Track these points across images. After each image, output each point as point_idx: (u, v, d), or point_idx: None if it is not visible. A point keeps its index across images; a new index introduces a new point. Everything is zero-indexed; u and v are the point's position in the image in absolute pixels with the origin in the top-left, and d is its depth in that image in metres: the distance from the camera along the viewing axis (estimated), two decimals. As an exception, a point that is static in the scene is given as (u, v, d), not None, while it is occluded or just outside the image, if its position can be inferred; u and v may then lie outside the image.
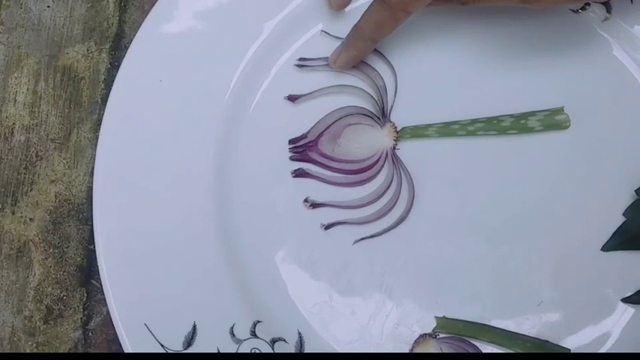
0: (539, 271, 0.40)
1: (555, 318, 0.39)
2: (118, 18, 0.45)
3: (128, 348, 0.38)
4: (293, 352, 0.39)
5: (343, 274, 0.40)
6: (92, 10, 0.45)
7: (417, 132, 0.42)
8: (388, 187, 0.41)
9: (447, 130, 0.42)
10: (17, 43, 0.45)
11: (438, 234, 0.41)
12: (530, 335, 0.39)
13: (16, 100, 0.44)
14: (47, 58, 0.44)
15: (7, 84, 0.44)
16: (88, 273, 0.42)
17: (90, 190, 0.41)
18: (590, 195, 0.41)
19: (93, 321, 0.41)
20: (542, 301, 0.40)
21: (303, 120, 0.42)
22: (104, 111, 0.41)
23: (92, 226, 0.39)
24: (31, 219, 0.42)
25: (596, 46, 0.43)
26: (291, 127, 0.42)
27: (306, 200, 0.41)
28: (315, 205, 0.41)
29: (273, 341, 0.39)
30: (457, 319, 0.39)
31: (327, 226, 0.41)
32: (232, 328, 0.39)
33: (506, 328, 0.39)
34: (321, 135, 0.42)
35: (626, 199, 0.41)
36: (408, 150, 0.42)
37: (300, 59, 0.42)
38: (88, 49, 0.45)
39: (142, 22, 0.42)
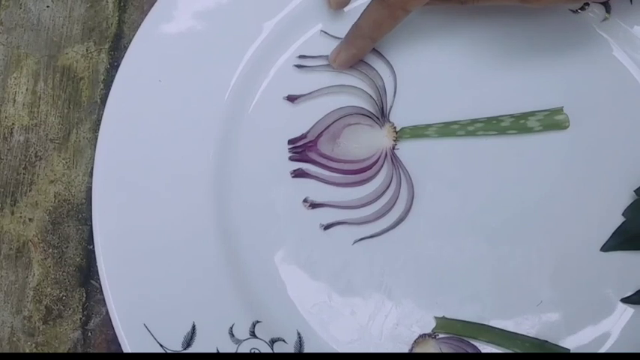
0: (539, 271, 0.40)
1: (555, 318, 0.39)
2: (117, 18, 0.45)
3: (127, 348, 0.38)
4: (292, 352, 0.39)
5: (342, 274, 0.40)
6: (91, 11, 0.45)
7: (417, 132, 0.42)
8: (387, 187, 0.41)
9: (447, 130, 0.42)
10: (16, 43, 0.45)
11: (437, 234, 0.41)
12: (529, 335, 0.39)
13: (15, 101, 0.44)
14: (46, 58, 0.44)
15: (7, 84, 0.44)
16: (88, 273, 0.42)
17: (89, 190, 0.41)
18: (590, 195, 0.41)
19: (92, 321, 0.41)
20: (542, 301, 0.40)
21: (302, 120, 0.42)
22: (103, 111, 0.41)
23: (91, 226, 0.39)
24: (30, 219, 0.42)
25: (596, 46, 0.43)
26: (291, 127, 0.42)
27: (305, 200, 0.41)
28: (314, 205, 0.41)
29: (273, 341, 0.39)
30: (456, 320, 0.39)
31: (327, 226, 0.41)
32: (232, 328, 0.39)
33: (505, 328, 0.39)
34: (320, 135, 0.42)
35: (626, 199, 0.41)
36: (407, 150, 0.42)
37: (301, 57, 0.42)
38: (87, 50, 0.45)
39: (141, 22, 0.42)
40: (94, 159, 0.40)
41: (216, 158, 0.41)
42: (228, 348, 0.38)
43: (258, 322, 0.39)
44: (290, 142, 0.42)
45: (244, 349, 0.38)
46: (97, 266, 0.39)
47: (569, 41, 0.43)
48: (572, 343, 0.39)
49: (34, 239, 0.42)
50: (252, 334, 0.39)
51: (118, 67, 0.41)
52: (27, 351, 0.41)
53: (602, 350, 0.39)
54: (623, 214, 0.40)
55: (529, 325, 0.39)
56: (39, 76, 0.44)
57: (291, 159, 0.42)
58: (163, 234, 0.39)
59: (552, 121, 0.41)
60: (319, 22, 0.43)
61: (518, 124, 0.42)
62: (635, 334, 0.39)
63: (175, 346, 0.38)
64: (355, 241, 0.41)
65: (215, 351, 0.38)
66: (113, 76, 0.41)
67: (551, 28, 0.43)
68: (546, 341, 0.39)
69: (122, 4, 0.45)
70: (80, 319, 0.41)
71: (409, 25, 0.42)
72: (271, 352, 0.39)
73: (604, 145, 0.42)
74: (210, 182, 0.41)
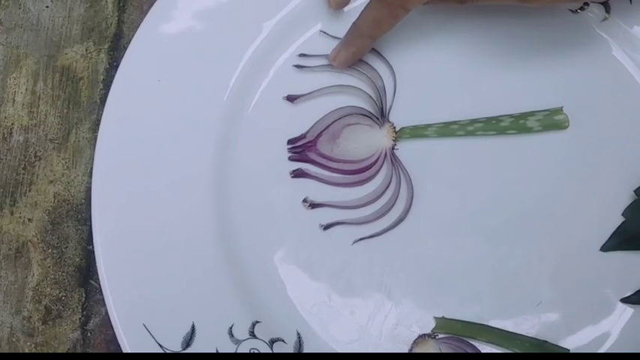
0: (539, 271, 0.40)
1: (554, 318, 0.39)
2: (116, 18, 0.45)
3: (127, 348, 0.38)
4: (292, 352, 0.39)
5: (342, 275, 0.40)
6: (91, 11, 0.45)
7: (416, 132, 0.42)
8: (387, 188, 0.41)
9: (446, 130, 0.42)
10: (16, 43, 0.45)
11: (437, 234, 0.41)
12: (529, 335, 0.39)
13: (14, 101, 0.44)
14: (46, 58, 0.44)
15: (6, 84, 0.44)
16: (87, 273, 0.42)
17: (89, 190, 0.41)
18: (590, 195, 0.41)
19: (92, 321, 0.41)
20: (542, 301, 0.40)
21: (302, 120, 0.42)
22: (103, 111, 0.41)
23: (91, 226, 0.39)
24: (29, 219, 0.42)
25: (595, 46, 0.43)
26: (290, 127, 0.42)
27: (305, 200, 0.41)
28: (314, 206, 0.41)
29: (272, 341, 0.39)
30: (456, 320, 0.39)
31: (326, 227, 0.41)
32: (231, 328, 0.39)
33: (505, 329, 0.39)
34: (320, 135, 0.42)
35: (626, 199, 0.41)
36: (407, 150, 0.42)
37: (301, 55, 0.42)
38: (86, 50, 0.45)
39: (140, 22, 0.42)
40: (93, 159, 0.40)
41: (215, 158, 0.41)
42: (228, 348, 0.38)
43: (257, 322, 0.39)
44: (289, 142, 0.42)
45: (244, 349, 0.38)
46: (96, 266, 0.39)
47: (569, 41, 0.43)
48: (571, 343, 0.39)
49: (33, 239, 0.42)
50: (252, 335, 0.39)
51: (117, 67, 0.41)
52: (26, 351, 0.41)
53: (602, 350, 0.39)
54: (622, 214, 0.40)
55: (529, 325, 0.39)
56: (38, 76, 0.44)
57: (291, 159, 0.42)
58: (163, 234, 0.39)
59: (552, 121, 0.41)
60: (319, 21, 0.43)
61: (517, 124, 0.42)
62: (634, 334, 0.39)
63: (175, 347, 0.38)
64: (355, 241, 0.41)
65: (214, 351, 0.38)
66: (112, 76, 0.41)
67: (550, 28, 0.43)
68: (546, 341, 0.39)
69: (121, 4, 0.45)
70: (79, 319, 0.41)
71: (409, 25, 0.42)
72: (271, 352, 0.39)
73: (604, 145, 0.42)
74: (210, 182, 0.41)
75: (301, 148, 0.42)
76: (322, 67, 0.42)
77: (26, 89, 0.44)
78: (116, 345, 0.38)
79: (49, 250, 0.42)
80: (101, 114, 0.41)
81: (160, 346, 0.38)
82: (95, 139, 0.41)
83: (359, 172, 0.41)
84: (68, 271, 0.42)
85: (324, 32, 0.43)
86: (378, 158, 0.42)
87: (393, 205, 0.41)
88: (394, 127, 0.42)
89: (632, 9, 0.42)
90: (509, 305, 0.40)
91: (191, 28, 0.42)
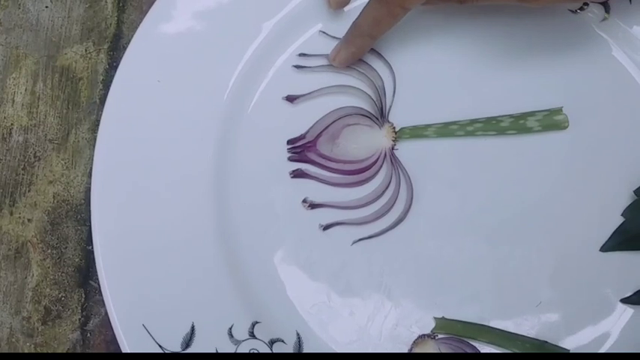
0: (539, 272, 0.40)
1: (554, 318, 0.39)
2: (116, 18, 0.45)
3: (126, 349, 0.38)
4: (291, 352, 0.39)
5: (342, 275, 0.40)
6: (90, 11, 0.45)
7: (416, 132, 0.42)
8: (387, 188, 0.41)
9: (446, 130, 0.42)
10: (15, 43, 0.45)
11: (436, 234, 0.41)
12: (529, 336, 0.39)
13: (14, 101, 0.44)
14: (45, 58, 0.44)
15: (5, 84, 0.44)
16: (87, 274, 0.42)
17: (88, 190, 0.41)
18: (589, 195, 0.41)
19: (91, 322, 0.41)
20: (542, 301, 0.40)
21: (301, 120, 0.42)
22: (102, 111, 0.41)
23: (90, 226, 0.39)
24: (29, 220, 0.42)
25: (595, 46, 0.43)
26: (290, 127, 0.42)
27: (304, 201, 0.41)
28: (313, 206, 0.41)
29: (272, 342, 0.39)
30: (456, 320, 0.39)
31: (326, 227, 0.41)
32: (231, 328, 0.39)
33: (505, 329, 0.39)
34: (319, 135, 0.42)
35: (625, 200, 0.41)
36: (406, 150, 0.42)
37: (301, 55, 0.42)
38: (86, 50, 0.45)
39: (140, 22, 0.42)
40: (92, 159, 0.40)
41: (215, 158, 0.41)
42: (228, 348, 0.38)
43: (257, 322, 0.39)
44: (289, 142, 0.42)
45: (243, 349, 0.38)
46: (96, 267, 0.39)
47: (569, 41, 0.43)
48: (571, 344, 0.39)
49: (33, 240, 0.42)
50: (252, 335, 0.39)
51: (117, 67, 0.41)
52: (26, 352, 0.41)
53: (602, 351, 0.39)
54: (622, 215, 0.40)
55: (529, 325, 0.39)
56: (38, 77, 0.44)
57: (290, 159, 0.42)
58: (162, 234, 0.39)
59: (551, 121, 0.41)
60: (319, 22, 0.43)
61: (517, 124, 0.41)
62: (634, 334, 0.39)
63: (174, 347, 0.38)
64: (354, 242, 0.41)
65: (214, 352, 0.38)
66: (112, 77, 0.41)
67: (550, 28, 0.43)
68: (546, 342, 0.39)
69: (121, 4, 0.45)
70: (79, 319, 0.41)
71: (408, 26, 0.42)
72: (270, 352, 0.39)
73: (603, 146, 0.41)
74: (210, 182, 0.41)
75: (301, 149, 0.42)
76: (322, 68, 0.42)
77: (25, 89, 0.44)
78: (116, 345, 0.38)
79: (49, 251, 0.42)
80: (101, 114, 0.41)
81: (160, 346, 0.38)
82: (95, 139, 0.41)
83: (358, 172, 0.41)
84: (68, 272, 0.42)
85: (324, 32, 0.43)
86: (377, 158, 0.41)
87: (393, 205, 0.41)
88: (394, 128, 0.42)
89: (632, 9, 0.42)
90: (509, 305, 0.40)
91: (191, 29, 0.42)
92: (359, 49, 0.41)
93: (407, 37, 0.43)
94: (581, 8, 0.43)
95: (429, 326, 0.40)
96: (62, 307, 0.41)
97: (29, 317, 0.41)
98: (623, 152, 0.41)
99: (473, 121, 0.42)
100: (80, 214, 0.42)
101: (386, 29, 0.40)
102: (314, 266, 0.40)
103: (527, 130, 0.41)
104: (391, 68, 0.42)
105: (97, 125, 0.41)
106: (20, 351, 0.40)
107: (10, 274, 0.42)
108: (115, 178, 0.40)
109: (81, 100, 0.44)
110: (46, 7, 0.45)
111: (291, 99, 0.42)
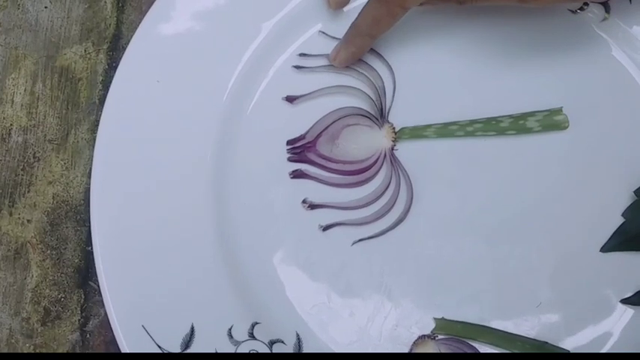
0: (539, 272, 0.40)
1: (554, 319, 0.39)
2: (115, 19, 0.45)
3: (126, 350, 0.38)
4: (291, 352, 0.39)
5: (342, 275, 0.40)
6: (90, 11, 0.45)
7: (416, 133, 0.42)
8: (387, 188, 0.41)
9: (446, 130, 0.42)
10: (15, 44, 0.45)
11: (436, 235, 0.41)
12: (529, 336, 0.39)
13: (13, 101, 0.44)
14: (45, 59, 0.44)
15: (5, 85, 0.44)
16: (86, 274, 0.42)
17: (87, 191, 0.41)
18: (589, 196, 0.41)
19: (91, 323, 0.41)
20: (542, 302, 0.39)
21: (301, 121, 0.42)
22: (102, 112, 0.41)
23: (90, 227, 0.39)
24: (28, 220, 0.42)
25: (595, 46, 0.43)
26: (290, 127, 0.42)
27: (304, 201, 0.41)
28: (313, 206, 0.41)
29: (272, 343, 0.39)
30: (456, 321, 0.39)
31: (326, 227, 0.41)
32: (230, 329, 0.39)
33: (505, 330, 0.39)
34: (319, 136, 0.42)
35: (625, 200, 0.41)
36: (406, 151, 0.42)
37: (301, 55, 0.42)
38: (85, 50, 0.44)
39: (139, 22, 0.42)
40: (92, 160, 0.40)
41: (214, 159, 0.41)
42: (227, 349, 0.38)
43: (257, 323, 0.39)
44: (289, 142, 0.42)
45: (243, 350, 0.38)
46: (95, 267, 0.39)
47: (569, 41, 0.43)
48: (571, 345, 0.39)
49: (32, 240, 0.42)
50: (251, 336, 0.39)
51: (116, 67, 0.41)
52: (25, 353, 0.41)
53: (602, 352, 0.39)
54: (622, 215, 0.40)
55: (529, 326, 0.39)
56: (37, 77, 0.44)
57: (290, 160, 0.42)
58: (162, 235, 0.39)
59: (551, 121, 0.41)
60: (318, 22, 0.43)
61: (517, 124, 0.41)
62: (635, 335, 0.39)
63: (174, 348, 0.38)
64: (354, 242, 0.40)
65: (214, 352, 0.38)
66: (111, 77, 0.41)
67: (550, 29, 0.43)
68: (546, 342, 0.39)
69: (120, 4, 0.45)
70: (79, 320, 0.41)
71: (408, 26, 0.42)
72: (270, 352, 0.39)
73: (603, 146, 0.41)
74: (209, 183, 0.41)
75: (300, 149, 0.42)
76: (322, 68, 0.42)
77: (25, 90, 0.44)
78: (115, 346, 0.38)
79: (48, 252, 0.42)
80: (100, 115, 0.41)
81: (159, 347, 0.38)
82: (94, 139, 0.41)
83: (358, 172, 0.41)
84: (67, 273, 0.42)
85: (324, 33, 0.43)
86: (377, 159, 0.41)
87: (393, 205, 0.41)
88: (394, 128, 0.42)
89: (632, 9, 0.42)
90: (509, 306, 0.40)
91: (190, 29, 0.42)
92: (359, 49, 0.41)
93: (407, 38, 0.43)
94: (581, 8, 0.43)
95: (429, 327, 0.39)
96: (62, 308, 0.41)
97: (29, 318, 0.41)
98: (623, 152, 0.41)
99: (473, 122, 0.42)
100: (80, 214, 0.42)
101: (385, 29, 0.40)
102: (314, 267, 0.40)
103: (527, 131, 0.41)
104: (391, 68, 0.42)
105: (97, 126, 0.41)
106: (19, 352, 0.40)
107: (9, 275, 0.41)
108: (115, 178, 0.40)
109: (80, 101, 0.44)
110: (46, 7, 0.45)
111: (290, 99, 0.42)
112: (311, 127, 0.42)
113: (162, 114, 0.41)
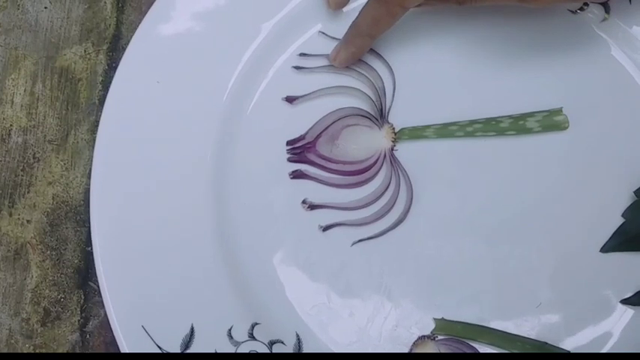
0: (539, 272, 0.40)
1: (554, 319, 0.39)
2: (115, 19, 0.45)
3: (126, 350, 0.38)
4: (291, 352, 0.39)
5: (341, 276, 0.40)
6: (89, 12, 0.45)
7: (415, 133, 0.42)
8: (386, 189, 0.41)
9: (446, 131, 0.42)
10: (14, 44, 0.45)
11: (436, 235, 0.41)
12: (529, 337, 0.39)
13: (13, 102, 0.44)
14: (44, 59, 0.44)
15: (5, 85, 0.44)
16: (86, 275, 0.42)
17: (87, 191, 0.41)
18: (589, 196, 0.41)
19: (90, 323, 0.41)
20: (542, 302, 0.39)
21: (301, 121, 0.42)
22: (102, 112, 0.41)
23: (90, 228, 0.39)
24: (28, 221, 0.42)
25: (595, 46, 0.43)
26: (289, 128, 0.42)
27: (304, 202, 0.41)
28: (313, 207, 0.41)
29: (271, 343, 0.39)
30: (456, 321, 0.39)
31: (325, 228, 0.41)
32: (230, 330, 0.39)
33: (505, 330, 0.39)
34: (319, 136, 0.42)
35: (625, 200, 0.41)
36: (406, 151, 0.42)
37: (301, 55, 0.42)
38: (85, 51, 0.44)
39: (139, 23, 0.42)
40: (92, 160, 0.40)
41: (214, 159, 0.41)
42: (227, 350, 0.38)
43: (256, 323, 0.39)
44: (289, 143, 0.42)
45: (243, 350, 0.38)
46: (95, 268, 0.39)
47: (568, 42, 0.43)
48: (571, 345, 0.39)
49: (32, 241, 0.42)
50: (251, 336, 0.39)
51: (116, 68, 0.41)
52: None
53: (602, 352, 0.39)
54: (622, 215, 0.40)
55: (529, 326, 0.39)
56: (37, 78, 0.44)
57: (290, 160, 0.42)
58: (161, 235, 0.39)
59: (551, 121, 0.41)
60: (318, 22, 0.43)
61: (517, 124, 0.41)
62: (635, 335, 0.39)
63: (174, 348, 0.38)
64: (354, 243, 0.40)
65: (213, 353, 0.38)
66: (111, 78, 0.41)
67: (550, 29, 0.43)
68: (546, 343, 0.39)
69: (120, 5, 0.45)
70: (78, 321, 0.41)
71: (408, 27, 0.42)
72: (270, 352, 0.38)
73: (603, 146, 0.41)
74: (209, 183, 0.41)
75: (300, 149, 0.42)
76: (321, 68, 0.42)
77: (25, 90, 0.44)
78: (115, 347, 0.38)
79: (48, 252, 0.42)
80: (100, 115, 0.41)
81: (159, 347, 0.38)
82: (94, 140, 0.41)
83: (358, 173, 0.41)
84: (67, 273, 0.42)
85: (323, 33, 0.43)
86: (377, 159, 0.41)
87: (393, 206, 0.41)
88: (393, 128, 0.42)
89: (632, 9, 0.42)
90: (509, 306, 0.40)
91: (190, 29, 0.42)
92: (359, 49, 0.41)
93: (407, 38, 0.43)
94: (581, 8, 0.43)
95: (428, 327, 0.39)
96: (61, 309, 0.41)
97: (28, 319, 0.41)
98: (623, 152, 0.41)
99: (472, 122, 0.42)
100: (79, 215, 0.42)
101: (385, 29, 0.40)
102: (313, 267, 0.40)
103: (527, 131, 0.41)
104: (391, 69, 0.42)
105: (97, 126, 0.41)
106: (19, 352, 0.40)
107: (9, 276, 0.41)
108: (115, 179, 0.40)
109: (80, 101, 0.44)
110: (45, 7, 0.45)
111: (290, 100, 0.42)
112: (311, 128, 0.42)
113: (162, 114, 0.41)
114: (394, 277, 0.40)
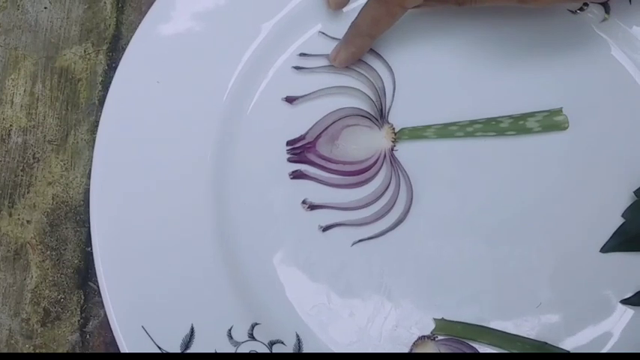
0: (539, 272, 0.40)
1: (554, 319, 0.39)
2: (115, 19, 0.45)
3: (125, 351, 0.38)
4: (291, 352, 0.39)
5: (341, 276, 0.40)
6: (89, 12, 0.45)
7: (415, 133, 0.42)
8: (386, 189, 0.41)
9: (446, 131, 0.42)
10: (14, 44, 0.45)
11: (436, 235, 0.41)
12: (529, 337, 0.39)
13: (13, 102, 0.44)
14: (44, 59, 0.44)
15: (4, 86, 0.44)
16: (86, 275, 0.42)
17: (87, 192, 0.41)
18: (589, 196, 0.41)
19: (90, 323, 0.41)
20: (541, 302, 0.39)
21: (301, 121, 0.42)
22: (101, 112, 0.41)
23: (89, 228, 0.39)
24: (28, 221, 0.42)
25: (595, 46, 0.43)
26: (289, 128, 0.42)
27: (304, 202, 0.41)
28: (313, 207, 0.41)
29: (271, 343, 0.39)
30: (456, 321, 0.39)
31: (325, 228, 0.41)
32: (230, 330, 0.39)
33: (505, 330, 0.39)
34: (319, 136, 0.42)
35: (625, 200, 0.41)
36: (406, 151, 0.42)
37: (301, 55, 0.42)
38: (85, 51, 0.44)
39: (139, 23, 0.42)
40: (91, 160, 0.40)
41: (214, 159, 0.41)
42: (227, 350, 0.38)
43: (256, 324, 0.39)
44: (288, 143, 0.42)
45: (243, 351, 0.38)
46: (95, 268, 0.39)
47: (568, 42, 0.43)
48: (571, 345, 0.39)
49: (32, 241, 0.42)
50: (251, 337, 0.39)
51: (116, 68, 0.41)
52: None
53: (602, 352, 0.39)
54: (622, 215, 0.40)
55: (529, 326, 0.39)
56: (37, 78, 0.44)
57: (290, 160, 0.42)
58: (161, 236, 0.39)
59: (551, 122, 0.41)
60: (318, 22, 0.43)
61: (517, 125, 0.41)
62: (635, 335, 0.39)
63: (174, 349, 0.38)
64: (354, 243, 0.40)
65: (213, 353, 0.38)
66: (111, 78, 0.41)
67: (550, 29, 0.43)
68: (546, 343, 0.39)
69: (120, 5, 0.45)
70: (78, 321, 0.41)
71: (408, 27, 0.42)
72: (270, 352, 0.38)
73: (603, 146, 0.41)
74: (209, 183, 0.41)
75: (300, 150, 0.42)
76: (321, 68, 0.42)
77: (24, 90, 0.44)
78: (115, 347, 0.38)
79: (48, 252, 0.42)
80: (100, 115, 0.41)
81: (159, 348, 0.38)
82: (94, 140, 0.41)
83: (358, 173, 0.41)
84: (67, 273, 0.42)
85: (324, 33, 0.43)
86: (377, 159, 0.41)
87: (393, 206, 0.41)
88: (393, 128, 0.42)
89: (632, 9, 0.42)
90: (509, 306, 0.40)
91: (190, 29, 0.42)
92: (358, 49, 0.41)
93: (407, 38, 0.43)
94: (581, 9, 0.43)
95: (428, 327, 0.39)
96: (61, 309, 0.41)
97: (28, 319, 0.41)
98: (623, 152, 0.41)
99: (472, 122, 0.42)
100: (79, 215, 0.42)
101: (385, 28, 0.40)
102: (313, 267, 0.40)
103: (527, 131, 0.41)
104: (391, 69, 0.42)
105: (96, 126, 0.41)
106: (19, 352, 0.40)
107: (9, 276, 0.41)
108: (115, 179, 0.40)
109: (80, 101, 0.44)
110: (45, 8, 0.45)
111: (290, 100, 0.42)
112: (311, 128, 0.42)
113: (162, 114, 0.41)
114: (394, 277, 0.40)
